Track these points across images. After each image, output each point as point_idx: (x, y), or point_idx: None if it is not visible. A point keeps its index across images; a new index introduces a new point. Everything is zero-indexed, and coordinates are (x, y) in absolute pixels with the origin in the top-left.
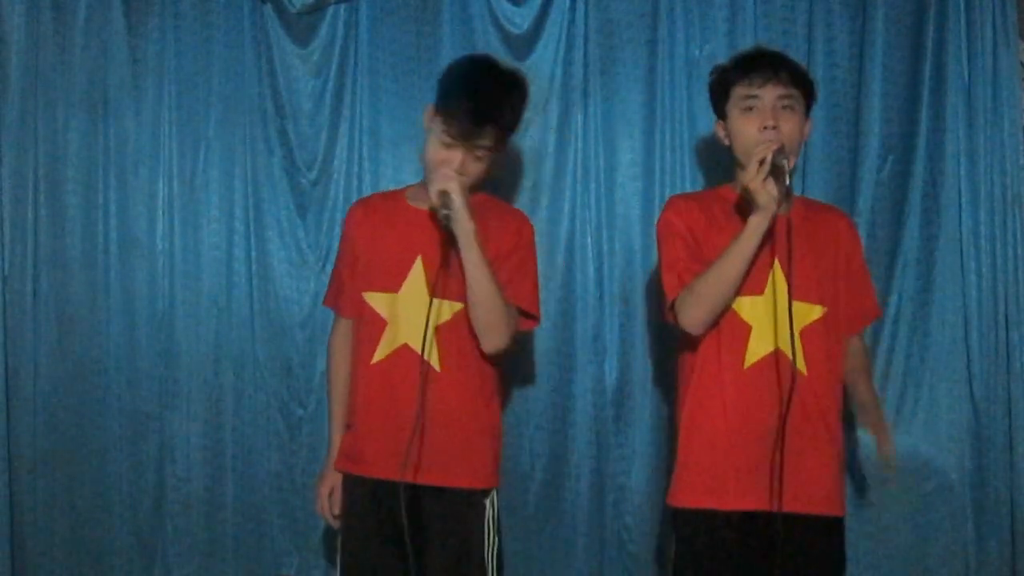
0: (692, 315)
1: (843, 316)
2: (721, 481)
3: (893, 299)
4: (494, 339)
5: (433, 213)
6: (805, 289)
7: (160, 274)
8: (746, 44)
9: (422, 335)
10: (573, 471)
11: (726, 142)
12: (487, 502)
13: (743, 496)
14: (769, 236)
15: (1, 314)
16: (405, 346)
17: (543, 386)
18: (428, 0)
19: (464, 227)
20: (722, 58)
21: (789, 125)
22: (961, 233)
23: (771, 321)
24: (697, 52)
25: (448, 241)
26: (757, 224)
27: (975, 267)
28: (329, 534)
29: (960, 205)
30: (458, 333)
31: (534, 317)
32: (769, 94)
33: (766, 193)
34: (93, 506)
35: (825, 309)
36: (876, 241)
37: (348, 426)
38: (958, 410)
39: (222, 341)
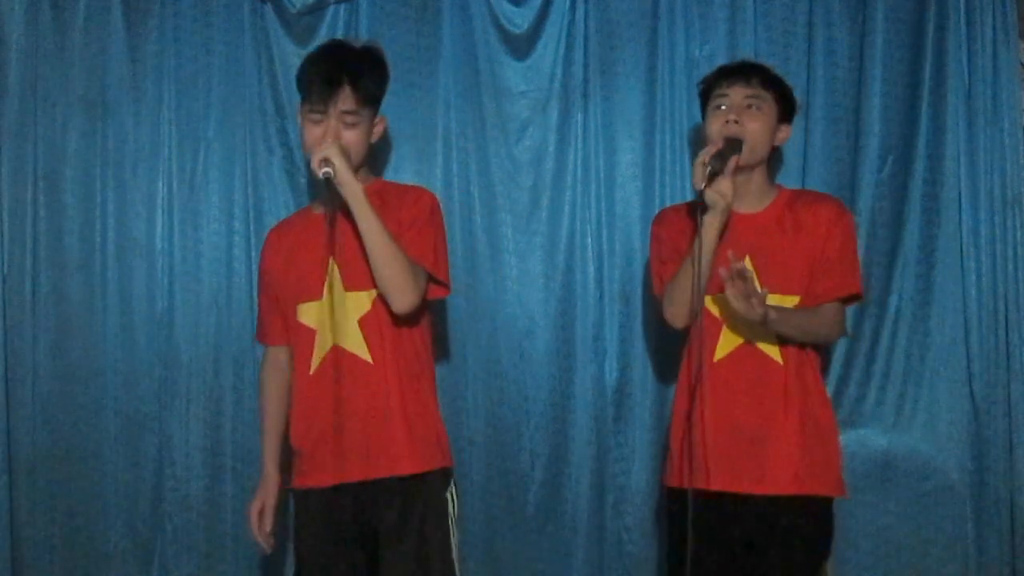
0: (671, 311)
1: (815, 291)
2: (700, 464)
3: (893, 299)
4: (402, 296)
5: (325, 184)
6: (778, 281)
7: (159, 274)
8: (746, 44)
9: (348, 333)
10: (573, 471)
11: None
12: (448, 495)
13: (717, 478)
14: (733, 237)
15: (0, 314)
16: (335, 347)
17: (543, 386)
18: (428, 0)
19: (350, 188)
20: (722, 58)
21: (754, 124)
22: (961, 233)
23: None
24: (697, 52)
25: (352, 234)
26: (709, 222)
27: (975, 267)
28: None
29: (960, 205)
30: (382, 320)
31: (443, 285)
32: (737, 93)
33: (712, 192)
34: (91, 507)
35: (799, 298)
36: (876, 241)
37: (294, 448)
38: (958, 410)
39: (222, 341)
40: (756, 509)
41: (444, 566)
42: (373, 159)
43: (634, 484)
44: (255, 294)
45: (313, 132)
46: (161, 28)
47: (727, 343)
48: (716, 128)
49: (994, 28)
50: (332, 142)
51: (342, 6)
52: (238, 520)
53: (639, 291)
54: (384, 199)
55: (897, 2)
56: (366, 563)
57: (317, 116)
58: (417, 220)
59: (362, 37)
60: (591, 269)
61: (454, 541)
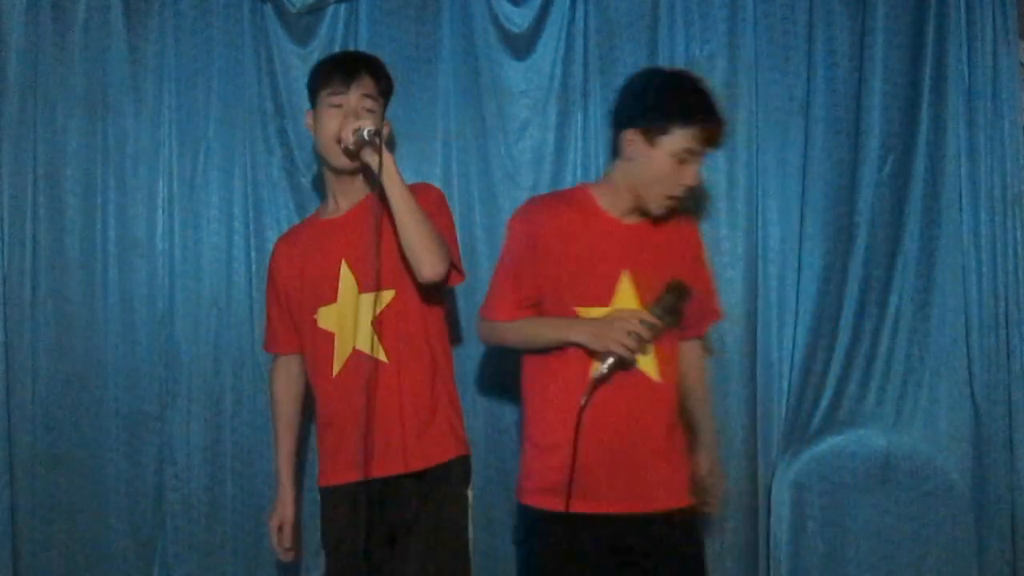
0: (491, 343)
1: (689, 320)
2: (573, 485)
3: (893, 299)
4: (430, 262)
5: (352, 151)
6: (655, 298)
7: (160, 274)
8: (746, 44)
9: (364, 334)
10: None
11: (631, 154)
12: (469, 492)
13: (594, 500)
14: (616, 246)
15: (0, 314)
16: (355, 350)
17: None
18: (428, 0)
19: (385, 156)
20: (722, 58)
21: (699, 170)
22: (961, 233)
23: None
24: (697, 52)
25: (362, 237)
26: (577, 342)
27: (975, 267)
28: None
29: (960, 205)
30: (395, 320)
31: (459, 271)
32: (704, 154)
33: (625, 351)
34: (92, 507)
35: None
36: (876, 241)
37: (320, 449)
38: (958, 410)
39: (222, 341)
40: (647, 527)
41: (458, 553)
42: None
43: None
44: (256, 296)
45: (334, 116)
46: (161, 28)
47: (602, 360)
48: (673, 180)
49: (994, 28)
50: (364, 118)
51: (342, 6)
52: (238, 520)
53: None
54: None
55: (897, 2)
56: (388, 557)
57: (338, 99)
58: (429, 212)
59: (362, 37)
60: None
61: (470, 529)
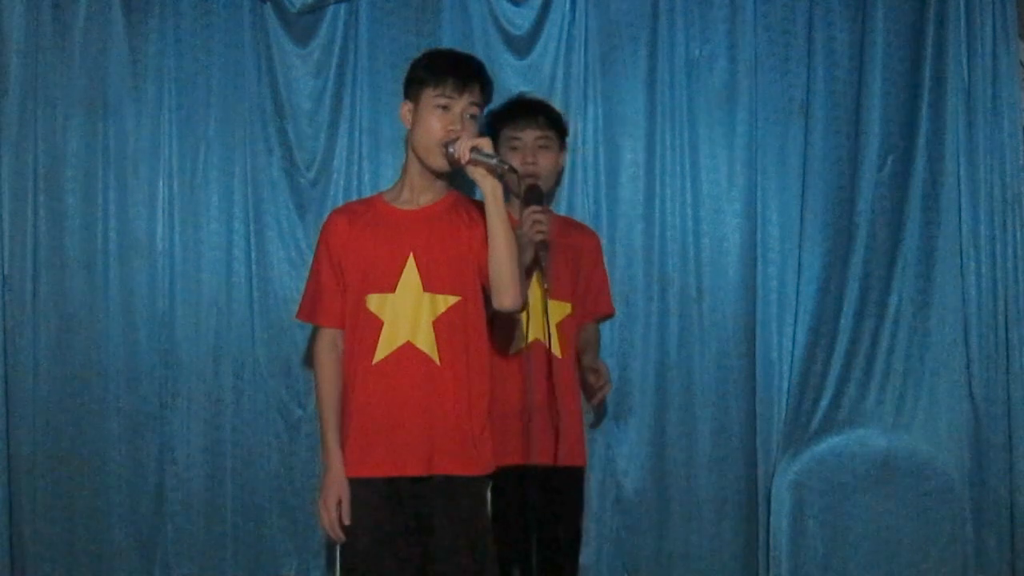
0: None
1: (585, 310)
2: (500, 444)
3: (893, 299)
4: (514, 295)
5: (456, 162)
6: (560, 291)
7: (160, 274)
8: (746, 44)
9: (422, 332)
10: None
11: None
12: (488, 494)
13: (513, 454)
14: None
15: (1, 314)
16: (407, 344)
17: None
18: (428, 0)
19: (493, 182)
20: (722, 58)
21: (545, 160)
22: (961, 233)
23: (533, 316)
24: (697, 52)
25: (435, 237)
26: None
27: (975, 267)
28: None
29: (960, 205)
30: (454, 326)
31: None
32: (529, 135)
33: (544, 234)
34: (93, 506)
35: (572, 305)
36: (876, 241)
37: (346, 436)
38: (958, 410)
39: (222, 341)
40: (550, 476)
41: (489, 558)
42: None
43: (634, 484)
44: (256, 296)
45: (440, 117)
46: (161, 28)
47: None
48: (515, 165)
49: (994, 28)
50: (478, 137)
51: (342, 6)
52: (238, 520)
53: (639, 291)
54: (467, 210)
55: (897, 2)
56: (413, 555)
57: (446, 101)
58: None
59: (362, 37)
60: None
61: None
